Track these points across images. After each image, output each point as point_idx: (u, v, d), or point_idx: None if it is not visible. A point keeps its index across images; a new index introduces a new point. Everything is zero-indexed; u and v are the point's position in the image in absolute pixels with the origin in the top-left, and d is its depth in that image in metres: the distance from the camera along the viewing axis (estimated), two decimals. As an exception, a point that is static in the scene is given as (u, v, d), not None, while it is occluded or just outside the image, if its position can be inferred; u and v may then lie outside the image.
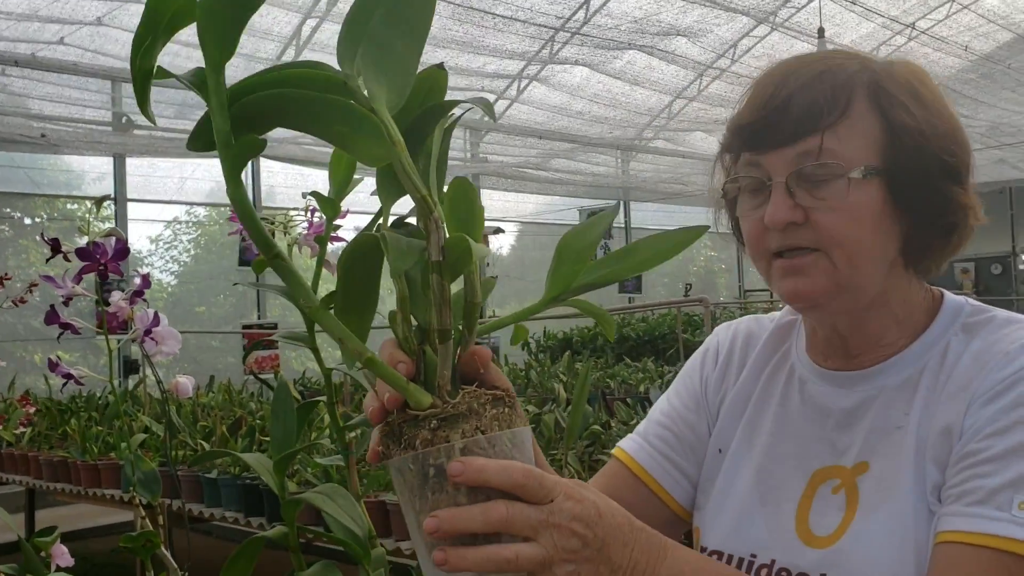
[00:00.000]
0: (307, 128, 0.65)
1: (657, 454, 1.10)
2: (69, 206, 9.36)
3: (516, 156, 12.16)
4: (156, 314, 1.40)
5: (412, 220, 0.74)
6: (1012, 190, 14.21)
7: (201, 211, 10.42)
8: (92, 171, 9.11)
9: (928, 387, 0.91)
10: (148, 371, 1.72)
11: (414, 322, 0.72)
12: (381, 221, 0.76)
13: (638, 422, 2.98)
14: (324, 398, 1.30)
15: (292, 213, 1.39)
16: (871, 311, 0.94)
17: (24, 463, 4.50)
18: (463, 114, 0.74)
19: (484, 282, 0.75)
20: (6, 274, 2.11)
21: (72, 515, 5.74)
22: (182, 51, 7.55)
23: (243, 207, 0.66)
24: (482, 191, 12.53)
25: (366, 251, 0.71)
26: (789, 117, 0.88)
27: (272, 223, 1.50)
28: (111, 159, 8.71)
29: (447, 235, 0.68)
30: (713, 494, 1.06)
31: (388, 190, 0.72)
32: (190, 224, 10.40)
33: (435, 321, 0.68)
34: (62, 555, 1.57)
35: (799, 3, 10.23)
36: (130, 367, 7.81)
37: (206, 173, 9.73)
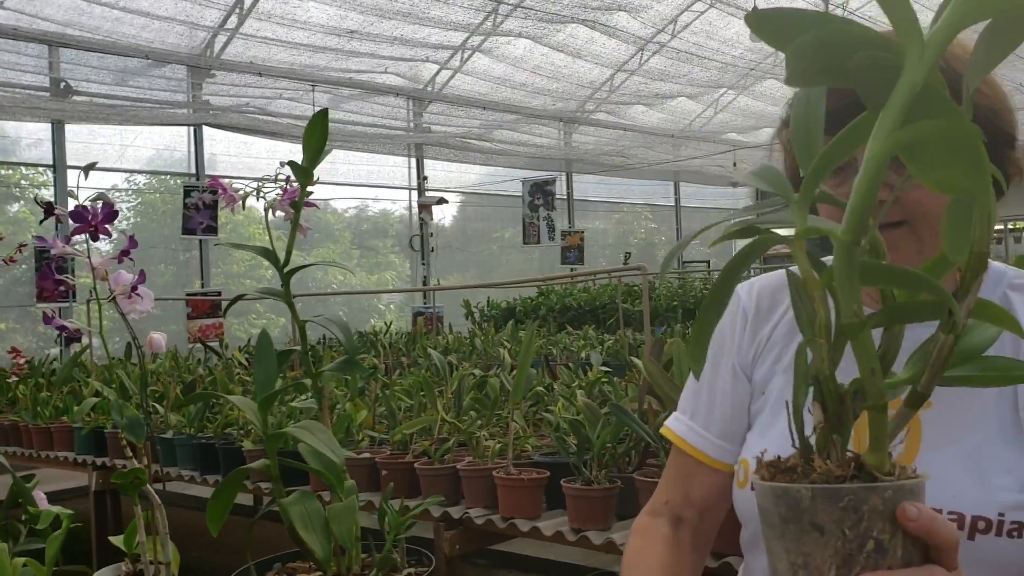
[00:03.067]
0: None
1: (722, 443, 1.15)
2: (3, 172, 9.22)
3: (459, 127, 12.23)
4: (142, 272, 1.52)
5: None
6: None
7: (141, 179, 10.31)
8: (28, 137, 8.98)
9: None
10: (93, 340, 1.82)
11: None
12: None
13: (579, 384, 3.15)
14: (299, 347, 1.45)
15: (268, 178, 1.52)
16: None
17: (-28, 428, 4.53)
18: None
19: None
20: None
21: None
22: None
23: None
24: (425, 161, 12.61)
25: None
26: None
27: (243, 189, 1.63)
28: (49, 125, 8.60)
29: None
30: (755, 429, 1.13)
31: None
32: (130, 192, 10.29)
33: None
34: (41, 500, 1.68)
35: (737, -20, 10.45)
36: (71, 335, 7.78)
37: (147, 140, 9.64)
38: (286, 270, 1.38)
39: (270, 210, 1.46)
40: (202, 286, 9.54)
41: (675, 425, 1.20)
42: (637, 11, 10.54)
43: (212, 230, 9.14)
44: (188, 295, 8.94)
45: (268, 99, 9.92)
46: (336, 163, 11.97)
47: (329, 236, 13.27)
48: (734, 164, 15.89)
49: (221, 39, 9.23)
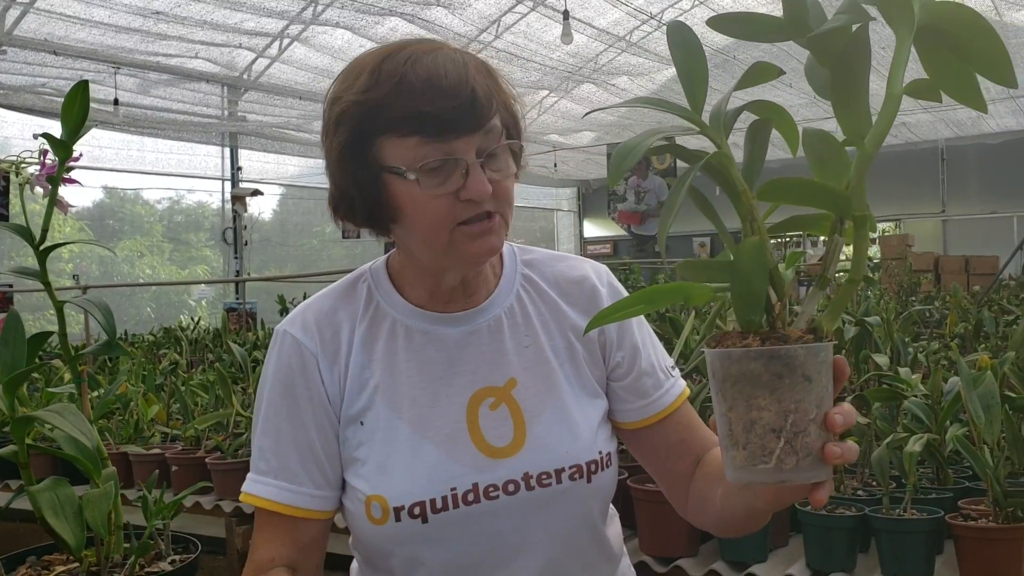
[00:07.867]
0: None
1: (322, 492, 1.10)
2: None
3: (276, 116, 11.93)
4: None
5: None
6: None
7: (-80, 161, 9.47)
8: None
9: (535, 312, 1.15)
10: None
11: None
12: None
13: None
14: (56, 329, 1.38)
15: (23, 154, 1.44)
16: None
17: None
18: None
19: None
20: None
21: None
22: None
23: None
24: (240, 151, 12.22)
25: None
26: (477, 106, 1.00)
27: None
28: None
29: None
30: (369, 463, 1.08)
31: None
32: (-94, 175, 9.42)
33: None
34: None
35: (560, -15, 10.68)
36: None
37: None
38: (41, 248, 1.31)
39: (25, 186, 1.38)
40: (-11, 277, 8.87)
41: (259, 489, 1.10)
42: (455, 8, 10.60)
43: (3, 218, 8.51)
44: (-28, 286, 8.29)
45: (67, 80, 9.32)
46: (144, 151, 11.40)
47: (138, 228, 12.63)
48: (555, 165, 16.30)
49: (13, 13, 8.60)
